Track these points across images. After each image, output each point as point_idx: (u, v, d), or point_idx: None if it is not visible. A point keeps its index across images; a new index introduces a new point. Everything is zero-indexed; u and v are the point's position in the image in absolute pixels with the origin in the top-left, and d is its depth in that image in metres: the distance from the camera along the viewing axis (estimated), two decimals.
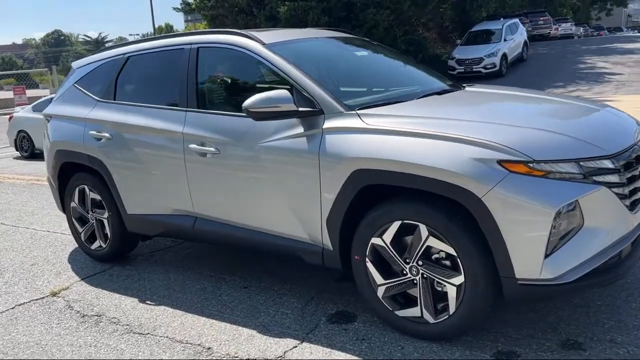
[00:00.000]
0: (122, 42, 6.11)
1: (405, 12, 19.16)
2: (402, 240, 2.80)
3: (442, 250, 2.69)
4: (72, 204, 4.49)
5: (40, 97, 14.92)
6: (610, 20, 56.80)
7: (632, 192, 2.64)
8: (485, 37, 20.18)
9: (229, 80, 3.88)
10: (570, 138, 2.62)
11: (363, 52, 4.17)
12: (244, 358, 2.84)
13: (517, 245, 2.45)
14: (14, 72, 30.34)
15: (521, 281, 2.48)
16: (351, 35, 4.36)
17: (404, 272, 2.81)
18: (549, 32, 30.40)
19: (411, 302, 2.86)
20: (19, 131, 12.48)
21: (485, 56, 18.78)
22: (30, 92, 21.36)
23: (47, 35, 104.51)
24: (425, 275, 2.75)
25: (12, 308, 3.70)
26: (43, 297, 3.85)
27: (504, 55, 19.18)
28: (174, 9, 24.29)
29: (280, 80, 3.28)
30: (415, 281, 2.79)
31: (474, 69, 18.77)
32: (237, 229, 3.48)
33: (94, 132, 4.13)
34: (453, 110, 3.20)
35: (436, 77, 4.00)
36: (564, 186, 2.45)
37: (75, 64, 4.74)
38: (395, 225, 2.77)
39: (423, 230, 2.69)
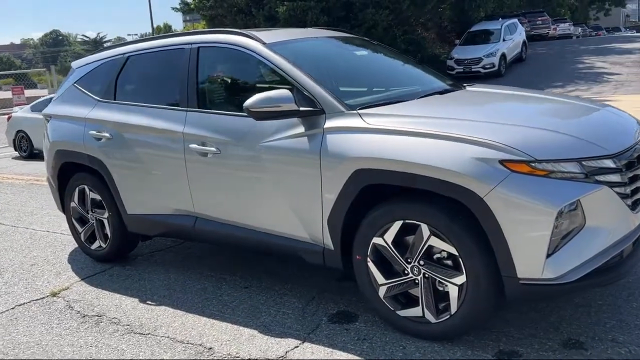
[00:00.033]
0: (120, 42, 6.10)
1: (404, 12, 19.18)
2: (404, 240, 2.80)
3: (443, 250, 2.68)
4: (72, 204, 4.48)
5: (38, 97, 14.89)
6: (609, 20, 56.87)
7: (634, 192, 2.64)
8: (484, 37, 20.20)
9: (230, 80, 3.87)
10: (572, 138, 2.62)
11: (363, 52, 4.16)
12: (246, 358, 2.83)
13: (519, 244, 2.45)
14: (12, 72, 30.29)
15: (523, 281, 2.48)
16: (351, 35, 4.36)
17: (406, 271, 2.81)
18: (548, 32, 30.43)
19: (412, 302, 2.85)
20: (18, 131, 12.46)
21: (484, 56, 18.79)
22: (28, 92, 21.32)
23: (45, 35, 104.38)
24: (426, 275, 2.75)
25: (12, 308, 3.70)
26: (43, 298, 3.84)
27: (503, 55, 19.20)
28: (173, 9, 24.27)
29: (281, 80, 3.28)
30: (416, 281, 2.79)
31: (472, 69, 18.79)
32: (238, 228, 3.47)
33: (94, 132, 4.12)
34: (454, 110, 3.20)
35: (436, 76, 4.00)
36: (565, 186, 2.45)
37: (74, 64, 4.73)
38: (397, 225, 2.77)
39: (425, 230, 2.68)
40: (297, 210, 3.14)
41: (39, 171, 9.68)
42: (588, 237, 2.49)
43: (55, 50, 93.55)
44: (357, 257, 2.96)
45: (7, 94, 23.28)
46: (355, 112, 2.99)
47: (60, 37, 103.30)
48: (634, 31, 52.63)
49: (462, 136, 2.60)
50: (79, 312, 3.56)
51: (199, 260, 4.33)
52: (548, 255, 2.43)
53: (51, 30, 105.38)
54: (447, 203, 2.62)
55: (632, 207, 2.61)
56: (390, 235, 2.81)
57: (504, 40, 19.77)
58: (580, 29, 39.75)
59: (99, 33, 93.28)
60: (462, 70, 18.78)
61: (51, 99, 11.30)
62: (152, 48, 4.06)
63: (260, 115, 3.06)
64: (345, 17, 18.37)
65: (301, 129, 3.06)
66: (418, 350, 2.76)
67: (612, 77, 16.85)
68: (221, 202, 3.53)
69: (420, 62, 4.30)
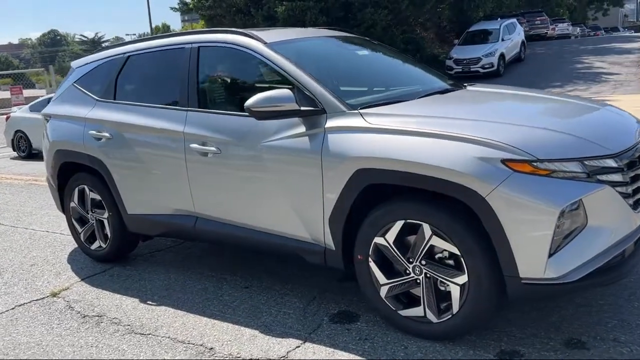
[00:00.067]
0: (118, 42, 6.08)
1: (403, 11, 19.19)
2: (405, 240, 2.79)
3: (445, 250, 2.68)
4: (72, 204, 4.47)
5: (37, 97, 14.88)
6: (607, 20, 56.92)
7: (636, 191, 2.64)
8: (483, 37, 20.21)
9: (230, 80, 3.86)
10: (574, 137, 2.62)
11: (364, 52, 4.16)
12: (247, 358, 2.83)
13: (521, 244, 2.44)
14: (10, 72, 30.24)
15: (525, 280, 2.47)
16: (352, 35, 4.35)
17: (407, 271, 2.81)
18: (546, 32, 30.45)
19: (414, 301, 2.85)
20: (16, 131, 12.45)
21: (483, 56, 18.80)
22: (26, 92, 21.29)
23: (43, 35, 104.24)
24: (428, 275, 2.75)
25: (12, 309, 3.69)
26: (43, 298, 3.83)
27: (502, 55, 19.20)
28: (172, 8, 24.25)
29: (282, 79, 3.27)
30: (418, 281, 2.79)
31: (471, 69, 18.80)
32: (239, 228, 3.47)
33: (93, 132, 4.11)
34: (456, 110, 3.19)
35: (437, 76, 4.00)
36: (567, 185, 2.45)
37: (74, 64, 4.72)
38: (399, 224, 2.77)
39: (426, 229, 2.68)
40: (298, 210, 3.13)
41: (38, 171, 9.67)
42: (590, 236, 2.48)
43: (53, 50, 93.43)
44: (359, 257, 2.95)
45: (6, 94, 23.24)
46: (356, 111, 2.99)
47: (58, 37, 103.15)
48: (632, 31, 52.68)
49: (464, 136, 2.59)
50: (79, 312, 3.55)
51: (199, 260, 4.33)
52: (550, 255, 2.43)
53: (49, 30, 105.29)
54: (449, 203, 2.61)
55: (634, 206, 2.61)
56: (391, 235, 2.80)
57: (502, 40, 19.78)
58: (578, 29, 39.80)
59: (97, 33, 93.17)
60: (460, 70, 18.79)
61: (49, 99, 11.26)
62: (153, 48, 4.05)
63: (262, 115, 3.05)
64: (344, 17, 18.37)
65: (302, 129, 3.06)
66: (420, 350, 2.75)
67: (611, 77, 16.86)
68: (222, 202, 3.52)
69: (419, 61, 4.29)
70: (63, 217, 4.82)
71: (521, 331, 2.85)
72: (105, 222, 4.27)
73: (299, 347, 2.89)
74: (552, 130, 2.67)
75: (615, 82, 15.84)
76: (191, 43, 3.74)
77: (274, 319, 3.22)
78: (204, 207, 3.62)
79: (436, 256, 2.73)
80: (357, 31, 16.48)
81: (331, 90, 3.10)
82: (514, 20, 22.21)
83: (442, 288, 2.74)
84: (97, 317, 3.45)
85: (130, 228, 4.13)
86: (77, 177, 4.39)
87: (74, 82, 4.52)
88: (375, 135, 2.83)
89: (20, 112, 13.19)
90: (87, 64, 4.53)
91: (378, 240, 2.85)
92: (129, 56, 4.18)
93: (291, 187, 3.12)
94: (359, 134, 2.88)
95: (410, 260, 2.78)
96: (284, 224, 3.23)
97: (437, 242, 2.67)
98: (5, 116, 14.08)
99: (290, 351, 2.86)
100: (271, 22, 18.09)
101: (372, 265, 2.91)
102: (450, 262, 2.69)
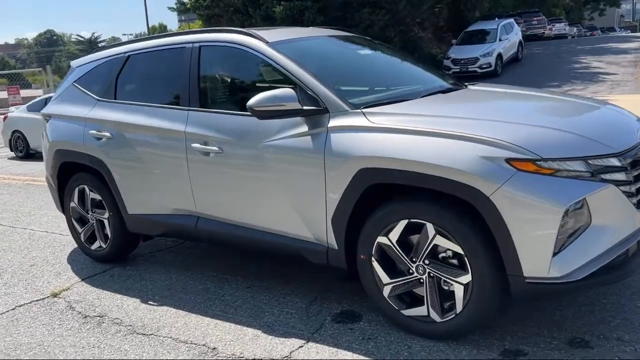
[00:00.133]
0: (115, 42, 6.06)
1: (401, 11, 19.17)
2: (409, 239, 2.79)
3: (449, 249, 2.68)
4: (72, 204, 4.46)
5: (34, 97, 14.85)
6: (603, 20, 57.05)
7: (639, 190, 2.64)
8: (481, 37, 20.22)
9: (232, 79, 3.85)
10: (577, 136, 2.62)
11: (366, 51, 4.16)
12: (250, 358, 2.82)
13: (525, 243, 2.44)
14: (7, 72, 30.12)
15: (529, 280, 2.47)
16: (353, 34, 4.35)
17: (410, 271, 2.80)
18: (543, 32, 30.51)
19: (417, 301, 2.85)
20: (14, 131, 12.41)
21: (480, 56, 18.82)
22: (23, 92, 21.23)
23: (39, 35, 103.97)
24: (431, 274, 2.74)
25: (13, 309, 3.67)
26: (44, 298, 3.81)
27: (499, 55, 19.23)
28: (169, 8, 24.21)
29: (284, 79, 3.26)
30: (421, 280, 2.78)
31: (469, 69, 18.80)
32: (240, 228, 3.46)
33: (94, 132, 4.10)
34: (458, 109, 3.19)
35: (438, 75, 4.00)
36: (571, 184, 2.45)
37: (74, 63, 4.71)
38: (402, 224, 2.76)
39: (430, 229, 2.68)
40: (300, 210, 3.12)
41: (36, 171, 9.64)
42: (594, 235, 2.48)
43: (49, 50, 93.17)
44: (362, 256, 2.95)
45: (3, 94, 23.15)
46: (359, 111, 2.98)
47: (55, 37, 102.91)
48: (629, 31, 52.85)
49: (467, 135, 2.59)
50: (80, 312, 3.54)
51: (200, 260, 4.32)
52: (554, 254, 2.43)
53: (45, 30, 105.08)
54: (452, 202, 2.61)
55: (638, 205, 2.61)
56: (395, 235, 2.80)
57: (500, 40, 19.80)
58: (575, 29, 39.86)
59: (93, 33, 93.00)
60: (458, 70, 18.78)
61: (47, 99, 11.21)
62: (153, 47, 4.03)
63: (264, 114, 3.04)
64: (341, 17, 18.36)
65: (305, 128, 3.05)
66: (423, 349, 2.75)
67: (608, 77, 16.90)
68: (223, 201, 3.51)
69: (418, 61, 4.29)
70: (62, 217, 4.80)
71: (524, 330, 2.84)
72: (106, 222, 4.26)
73: (302, 347, 2.89)
74: (555, 129, 2.67)
75: (613, 82, 15.87)
76: (192, 42, 3.73)
77: (276, 318, 3.21)
78: (205, 206, 3.61)
79: (440, 255, 2.73)
80: (355, 31, 16.39)
81: (333, 90, 3.09)
82: (512, 20, 22.23)
83: (446, 287, 2.74)
84: (98, 318, 3.44)
85: (130, 228, 4.11)
86: (77, 177, 4.38)
87: (74, 82, 4.51)
88: (379, 134, 2.82)
89: (17, 112, 13.16)
90: (87, 63, 4.51)
91: (381, 239, 2.84)
92: (129, 56, 4.16)
93: (293, 186, 3.12)
94: (362, 134, 2.87)
95: (414, 259, 2.78)
96: (287, 224, 3.22)
97: (440, 241, 2.67)
98: (2, 116, 14.03)
99: (293, 351, 2.85)
100: (269, 22, 18.07)
101: (375, 264, 2.90)
102: (454, 261, 2.68)
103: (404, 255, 2.80)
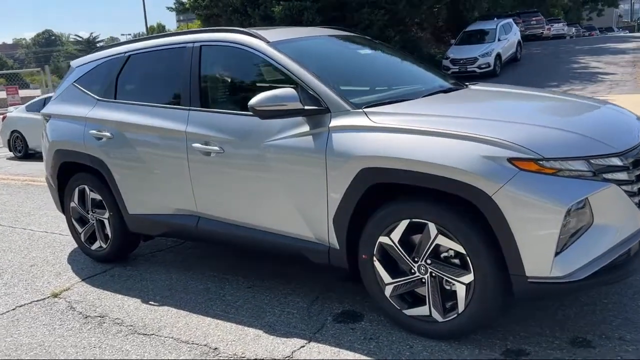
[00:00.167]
0: (113, 42, 6.05)
1: (401, 11, 19.18)
2: (410, 239, 2.79)
3: (451, 249, 2.68)
4: (72, 204, 4.45)
5: (32, 97, 14.82)
6: (602, 20, 57.12)
7: None
8: (480, 37, 20.23)
9: (233, 79, 3.84)
10: (579, 135, 2.62)
11: (366, 51, 4.16)
12: (252, 358, 2.81)
13: (528, 243, 2.44)
14: (4, 72, 30.06)
15: (531, 279, 2.47)
16: (353, 34, 4.34)
17: (412, 270, 2.80)
18: (542, 32, 30.56)
19: (419, 301, 2.85)
20: (13, 131, 12.40)
21: (479, 56, 18.83)
22: (22, 92, 21.18)
23: (37, 35, 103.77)
24: (433, 274, 2.74)
25: (13, 309, 3.66)
26: (44, 298, 3.80)
27: (498, 55, 19.24)
28: (168, 8, 24.23)
29: (285, 78, 3.26)
30: (423, 280, 2.78)
31: (468, 69, 18.81)
32: (241, 228, 3.45)
33: (94, 132, 4.09)
34: (460, 108, 3.19)
35: (439, 75, 4.00)
36: (574, 184, 2.45)
37: (74, 63, 4.70)
38: (404, 223, 2.76)
39: (432, 228, 2.67)
40: (302, 210, 3.12)
41: (35, 171, 9.62)
42: (596, 235, 2.49)
43: (47, 50, 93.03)
44: (363, 256, 2.94)
45: (1, 94, 23.11)
46: (360, 110, 2.98)
47: (53, 37, 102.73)
48: (627, 31, 52.94)
49: (469, 134, 2.59)
50: (81, 312, 3.53)
51: (201, 261, 4.31)
52: (556, 254, 2.43)
53: (44, 30, 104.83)
54: (455, 202, 2.61)
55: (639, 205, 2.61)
56: (397, 234, 2.80)
57: (499, 40, 19.82)
58: (574, 29, 39.94)
59: (92, 33, 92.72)
60: (457, 70, 18.78)
61: (46, 99, 11.19)
62: (154, 47, 4.03)
63: (266, 114, 3.04)
64: (340, 17, 18.36)
65: (306, 128, 3.05)
66: (425, 349, 2.75)
67: (607, 76, 16.92)
68: (224, 201, 3.50)
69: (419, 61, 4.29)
70: (61, 217, 4.79)
71: (526, 330, 2.84)
72: (106, 222, 4.25)
73: (303, 346, 2.88)
74: (557, 129, 2.67)
75: (611, 82, 15.89)
76: (193, 42, 3.72)
77: (277, 318, 3.21)
78: (206, 206, 3.60)
79: (442, 255, 2.73)
80: (354, 31, 16.42)
81: (335, 89, 3.08)
82: (510, 20, 22.25)
83: (448, 287, 2.73)
84: (99, 318, 3.43)
85: (131, 228, 4.10)
86: (78, 177, 4.37)
87: (74, 82, 4.50)
88: (380, 134, 2.82)
89: (16, 112, 13.14)
90: (87, 63, 4.51)
91: (383, 239, 2.84)
92: (129, 55, 4.15)
93: (295, 186, 3.11)
94: (363, 133, 2.87)
95: (416, 259, 2.77)
96: (288, 224, 3.21)
97: (442, 241, 2.67)
98: (1, 116, 14.01)
99: (295, 351, 2.85)
100: (268, 22, 18.06)
101: (377, 264, 2.90)
102: (456, 261, 2.68)
103: (405, 255, 2.80)
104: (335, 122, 2.98)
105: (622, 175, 2.55)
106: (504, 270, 2.54)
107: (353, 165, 2.84)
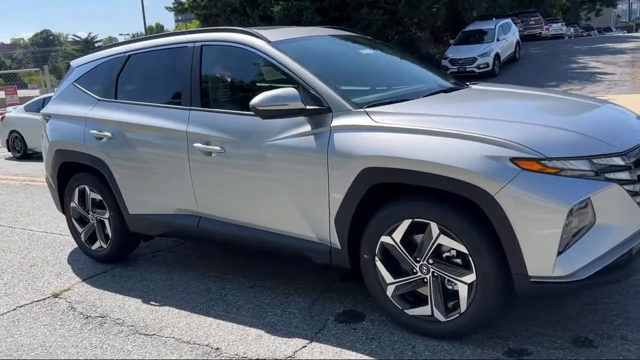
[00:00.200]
0: (112, 42, 6.04)
1: (400, 11, 19.18)
2: (412, 239, 2.79)
3: (453, 249, 2.67)
4: (72, 204, 4.44)
5: (31, 98, 14.79)
6: (600, 20, 57.20)
7: None
8: (478, 37, 20.25)
9: (234, 79, 3.84)
10: (581, 135, 2.62)
11: (367, 50, 4.15)
12: (254, 358, 2.81)
13: (530, 243, 2.44)
14: (3, 72, 30.01)
15: (534, 279, 2.47)
16: (354, 34, 4.34)
17: (414, 270, 2.80)
18: (540, 32, 30.59)
19: (421, 300, 2.84)
20: (11, 131, 12.37)
21: (478, 56, 18.83)
22: (20, 92, 21.13)
23: (35, 35, 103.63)
24: (435, 274, 2.74)
25: (14, 310, 3.65)
26: (44, 299, 3.79)
27: (497, 55, 19.24)
28: (167, 8, 24.18)
29: (286, 78, 3.25)
30: (425, 280, 2.78)
31: (467, 69, 18.82)
32: (243, 228, 3.45)
33: (94, 132, 4.08)
34: (462, 108, 3.19)
35: (440, 75, 4.00)
36: (576, 183, 2.45)
37: (74, 63, 4.69)
38: (406, 223, 2.76)
39: (434, 228, 2.67)
40: (303, 210, 3.12)
41: (34, 172, 9.61)
42: (598, 234, 2.49)
43: (45, 50, 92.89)
44: (365, 256, 2.94)
45: (0, 94, 23.07)
46: (362, 110, 2.98)
47: (51, 37, 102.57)
48: (625, 31, 53.03)
49: (471, 134, 2.59)
50: (81, 313, 3.52)
51: (201, 261, 4.30)
52: (559, 253, 2.43)
53: (42, 30, 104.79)
54: (457, 201, 2.60)
55: None
56: (398, 234, 2.80)
57: (497, 40, 19.83)
58: (572, 29, 40.00)
59: (90, 33, 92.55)
60: (456, 70, 18.78)
61: (45, 99, 11.16)
62: (154, 47, 4.02)
63: (267, 114, 3.03)
64: (339, 17, 18.37)
65: (308, 128, 3.04)
66: (427, 349, 2.75)
67: (606, 76, 16.94)
68: (226, 201, 3.50)
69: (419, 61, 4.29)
70: (61, 217, 4.78)
71: (528, 330, 2.84)
72: (106, 222, 4.24)
73: (305, 346, 2.88)
74: (559, 129, 2.67)
75: (610, 82, 15.92)
76: (194, 42, 3.72)
77: (279, 318, 3.20)
78: (207, 206, 3.60)
79: (444, 255, 2.73)
80: (354, 31, 16.43)
81: (336, 89, 3.08)
82: (509, 20, 22.26)
83: (450, 287, 2.73)
84: (100, 318, 3.42)
85: (131, 228, 4.10)
86: (78, 177, 4.36)
87: (74, 82, 4.49)
88: (382, 134, 2.81)
89: (15, 112, 13.11)
90: (87, 63, 4.50)
91: (385, 239, 2.84)
92: (130, 55, 4.15)
93: (296, 186, 3.11)
94: (365, 133, 2.86)
95: (417, 259, 2.77)
96: (289, 224, 3.21)
97: (444, 240, 2.67)
98: (0, 116, 13.98)
99: (297, 351, 2.84)
100: (267, 22, 18.06)
101: (379, 264, 2.90)
102: (458, 260, 2.68)
103: (407, 255, 2.80)
104: (336, 122, 2.97)
105: (624, 175, 2.55)
106: (506, 269, 2.54)
107: (355, 165, 2.83)
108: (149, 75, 4.08)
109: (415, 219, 2.73)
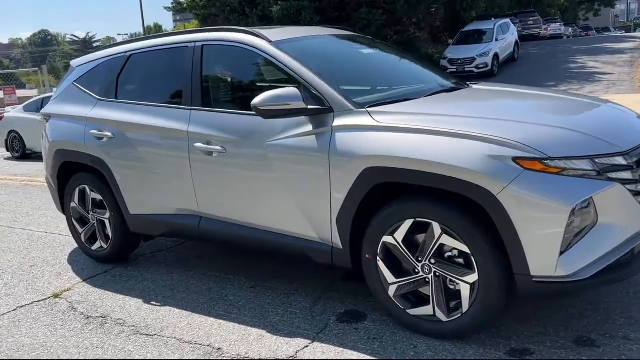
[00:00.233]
0: (110, 42, 6.04)
1: (399, 11, 19.20)
2: (414, 239, 2.79)
3: (455, 248, 2.67)
4: (72, 204, 4.43)
5: (30, 98, 14.76)
6: (598, 20, 57.30)
7: None
8: (477, 37, 20.28)
9: (235, 78, 3.83)
10: (583, 135, 2.62)
11: (368, 50, 4.15)
12: (255, 358, 2.81)
13: (532, 242, 2.44)
14: (1, 72, 29.95)
15: (536, 279, 2.47)
16: (355, 34, 4.34)
17: (416, 270, 2.80)
18: (539, 32, 30.62)
19: (423, 300, 2.84)
20: (10, 131, 12.35)
21: (477, 56, 18.86)
22: (19, 92, 21.10)
23: (33, 35, 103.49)
24: (437, 274, 2.74)
25: (14, 310, 3.64)
26: (45, 299, 3.79)
27: (496, 55, 19.28)
28: (166, 8, 24.16)
29: (287, 78, 3.25)
30: (427, 279, 2.78)
31: (466, 69, 18.84)
32: (244, 228, 3.44)
33: (95, 132, 4.07)
34: (463, 108, 3.19)
35: (441, 75, 4.00)
36: (578, 183, 2.45)
37: (74, 63, 4.68)
38: (408, 223, 2.76)
39: (436, 228, 2.67)
40: (305, 210, 3.11)
41: (33, 172, 9.60)
42: (600, 234, 2.49)
43: (44, 50, 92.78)
44: (367, 256, 2.94)
45: None
46: (364, 110, 2.97)
47: (49, 37, 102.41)
48: (624, 31, 53.11)
49: (474, 134, 2.58)
50: (82, 313, 3.51)
51: (202, 261, 4.30)
52: (561, 253, 2.43)
53: (40, 30, 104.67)
54: (459, 201, 2.60)
55: None
56: (400, 234, 2.79)
57: (496, 40, 19.86)
58: (570, 29, 40.05)
59: (88, 33, 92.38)
60: (455, 70, 18.80)
61: (44, 99, 11.14)
62: (154, 46, 4.01)
63: (269, 114, 3.03)
64: (338, 17, 18.37)
65: (309, 128, 3.04)
66: (429, 349, 2.74)
67: (605, 76, 16.97)
68: (227, 201, 3.49)
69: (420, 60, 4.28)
70: (61, 217, 4.77)
71: (530, 329, 2.84)
72: (107, 222, 4.24)
73: (307, 347, 2.88)
74: (561, 128, 2.67)
75: (609, 82, 15.94)
76: (195, 41, 3.71)
77: (280, 318, 3.20)
78: (208, 206, 3.59)
79: (446, 255, 2.73)
80: (353, 31, 16.42)
81: (338, 89, 3.08)
82: (508, 20, 22.30)
83: (452, 287, 2.73)
84: (101, 318, 3.42)
85: (132, 228, 4.09)
86: (78, 177, 4.35)
87: (74, 82, 4.48)
88: (384, 133, 2.81)
89: (14, 112, 13.09)
90: (87, 63, 4.49)
91: (386, 239, 2.84)
92: (130, 55, 4.14)
93: (298, 186, 3.10)
94: (367, 133, 2.86)
95: (419, 259, 2.77)
96: (291, 224, 3.21)
97: (447, 240, 2.67)
98: None
99: (298, 351, 2.84)
100: (266, 22, 18.06)
101: (381, 264, 2.89)
102: (460, 260, 2.68)
103: (409, 255, 2.79)
104: (338, 122, 2.97)
105: (627, 175, 2.55)
106: (508, 269, 2.53)
107: (356, 164, 2.83)
108: (150, 75, 4.07)
109: (417, 219, 2.72)
